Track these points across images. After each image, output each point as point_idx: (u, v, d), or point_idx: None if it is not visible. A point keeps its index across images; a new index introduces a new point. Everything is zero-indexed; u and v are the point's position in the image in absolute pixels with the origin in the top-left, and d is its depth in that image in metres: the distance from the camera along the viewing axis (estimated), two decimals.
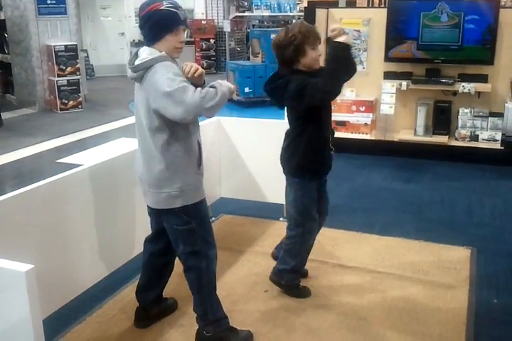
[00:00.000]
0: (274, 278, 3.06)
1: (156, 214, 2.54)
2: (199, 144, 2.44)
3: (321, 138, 2.88)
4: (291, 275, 3.03)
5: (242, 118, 4.32)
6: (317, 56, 2.75)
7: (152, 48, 2.32)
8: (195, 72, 2.34)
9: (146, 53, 2.30)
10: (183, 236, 2.46)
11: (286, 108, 2.90)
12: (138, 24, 2.36)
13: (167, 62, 2.27)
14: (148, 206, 2.57)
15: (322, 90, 2.59)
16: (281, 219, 3.97)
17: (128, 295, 3.01)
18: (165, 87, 2.16)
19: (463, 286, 3.12)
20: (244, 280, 3.21)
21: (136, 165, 2.52)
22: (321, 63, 2.82)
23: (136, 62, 2.29)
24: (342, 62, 2.61)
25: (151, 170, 2.38)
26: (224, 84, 2.29)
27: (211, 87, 2.26)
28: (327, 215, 3.13)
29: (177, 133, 2.33)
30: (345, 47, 2.58)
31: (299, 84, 2.65)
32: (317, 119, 2.82)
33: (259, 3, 9.73)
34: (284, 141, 2.95)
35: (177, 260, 2.70)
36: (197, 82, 2.35)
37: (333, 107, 5.98)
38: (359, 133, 5.87)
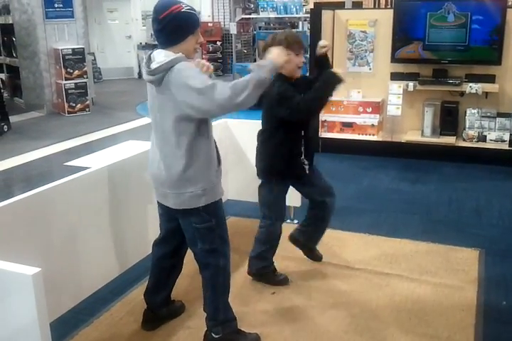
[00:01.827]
0: (248, 268, 3.25)
1: (172, 214, 2.53)
2: (215, 143, 2.47)
3: (290, 143, 2.97)
4: (257, 262, 3.20)
5: (249, 121, 4.31)
6: (299, 63, 2.89)
7: (167, 51, 2.32)
8: (207, 69, 2.41)
9: (162, 56, 2.29)
10: (202, 235, 2.46)
11: (262, 109, 3.00)
12: (154, 27, 2.33)
13: (187, 62, 2.28)
14: (160, 207, 2.57)
15: (301, 113, 2.80)
16: (288, 221, 3.97)
17: (136, 297, 3.02)
18: (197, 83, 2.17)
19: (471, 288, 3.10)
20: (251, 282, 3.21)
21: (151, 168, 2.49)
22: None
23: (154, 66, 2.27)
24: (330, 92, 2.82)
25: (174, 171, 2.36)
26: (262, 68, 2.24)
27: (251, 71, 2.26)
28: (330, 204, 3.22)
29: (200, 133, 2.33)
30: (340, 82, 2.79)
31: (280, 92, 2.79)
32: (287, 124, 2.90)
33: (266, 5, 9.74)
34: (257, 142, 3.07)
35: (185, 262, 2.71)
36: None
37: (340, 109, 6.04)
38: (366, 134, 5.86)
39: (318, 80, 2.88)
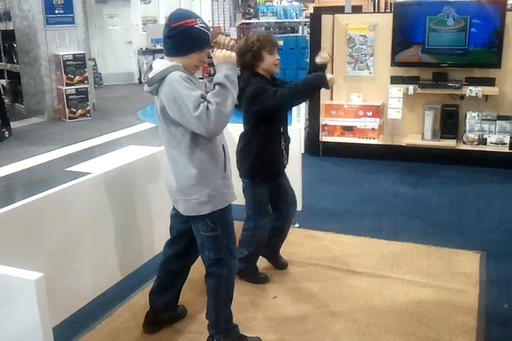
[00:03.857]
0: None
1: (183, 218, 2.54)
2: (224, 148, 2.47)
3: (272, 142, 3.04)
4: (243, 264, 3.18)
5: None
6: (274, 61, 2.98)
7: (166, 60, 2.35)
8: (229, 45, 2.37)
9: (159, 65, 2.32)
10: (208, 243, 2.49)
11: (242, 110, 3.05)
12: (164, 32, 2.34)
13: (177, 73, 2.27)
14: (174, 209, 2.59)
15: (277, 101, 2.82)
16: None
17: (137, 302, 3.02)
18: (187, 109, 2.18)
19: (473, 291, 3.11)
20: (252, 286, 3.21)
21: (164, 174, 2.55)
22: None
23: (150, 75, 2.31)
24: (313, 90, 2.95)
25: (180, 178, 2.41)
26: (226, 75, 2.27)
27: (218, 84, 2.26)
28: (292, 214, 3.38)
29: (200, 138, 2.34)
30: (325, 86, 2.86)
31: (257, 88, 2.85)
32: (268, 124, 2.99)
33: (266, 10, 9.77)
34: (238, 144, 3.12)
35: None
36: None
37: (340, 113, 6.06)
38: (366, 138, 5.87)
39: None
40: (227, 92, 2.23)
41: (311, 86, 2.89)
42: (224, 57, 2.30)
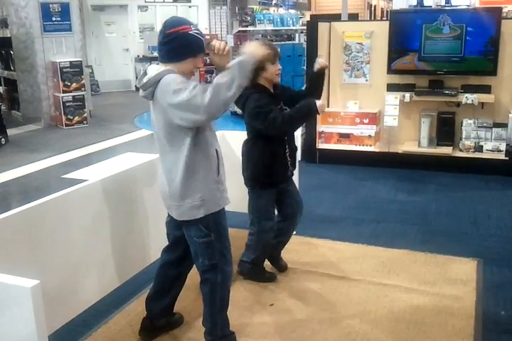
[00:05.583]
0: (238, 268, 3.34)
1: (177, 224, 2.55)
2: (217, 152, 2.48)
3: (273, 150, 3.07)
4: (250, 267, 3.32)
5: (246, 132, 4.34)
6: (276, 70, 3.03)
7: (160, 65, 2.36)
8: (224, 49, 2.35)
9: (154, 70, 2.34)
10: (202, 249, 2.48)
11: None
12: (158, 39, 2.36)
13: (172, 75, 2.30)
14: (169, 215, 2.59)
15: (273, 128, 2.88)
16: None
17: (134, 309, 3.01)
18: (178, 99, 2.19)
19: (470, 298, 3.10)
20: (249, 293, 3.21)
21: (158, 180, 2.55)
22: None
23: (144, 80, 2.33)
24: (306, 118, 3.04)
25: (172, 183, 2.41)
26: (241, 64, 2.24)
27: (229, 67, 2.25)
28: (297, 218, 3.33)
29: (195, 143, 2.35)
30: (316, 114, 2.89)
31: (257, 106, 2.90)
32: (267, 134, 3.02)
33: (262, 18, 9.79)
34: (242, 151, 3.18)
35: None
36: (223, 60, 2.35)
37: (337, 120, 6.07)
38: (363, 145, 5.88)
39: (300, 96, 3.07)
40: (232, 75, 2.20)
41: (304, 114, 2.92)
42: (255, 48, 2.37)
